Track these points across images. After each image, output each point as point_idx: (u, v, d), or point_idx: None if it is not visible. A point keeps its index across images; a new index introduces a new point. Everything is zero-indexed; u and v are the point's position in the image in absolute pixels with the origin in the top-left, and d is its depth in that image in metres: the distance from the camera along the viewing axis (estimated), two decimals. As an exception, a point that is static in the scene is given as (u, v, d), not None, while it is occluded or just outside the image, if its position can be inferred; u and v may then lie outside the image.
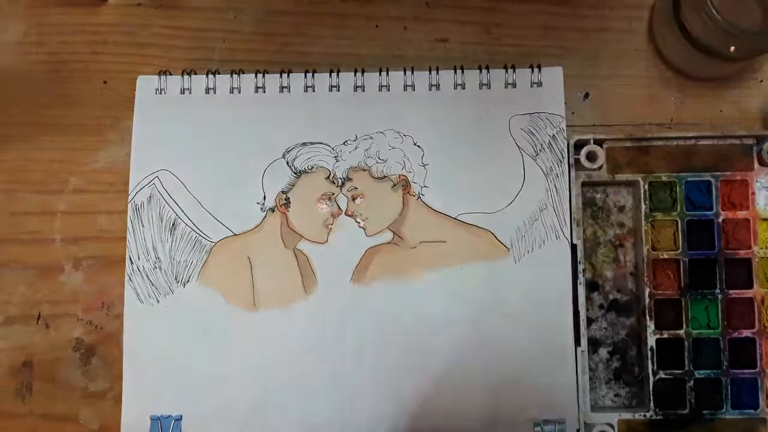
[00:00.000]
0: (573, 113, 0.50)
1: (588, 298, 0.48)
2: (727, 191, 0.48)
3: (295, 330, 0.48)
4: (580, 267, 0.47)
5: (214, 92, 0.50)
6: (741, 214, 0.48)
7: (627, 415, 0.46)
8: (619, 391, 0.48)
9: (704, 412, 0.47)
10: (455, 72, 0.50)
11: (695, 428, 0.46)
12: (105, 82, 0.52)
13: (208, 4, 0.52)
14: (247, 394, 0.47)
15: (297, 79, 0.50)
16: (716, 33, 0.45)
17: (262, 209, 0.49)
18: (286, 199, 0.49)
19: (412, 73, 0.50)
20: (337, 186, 0.49)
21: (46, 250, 0.50)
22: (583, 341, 0.46)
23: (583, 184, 0.49)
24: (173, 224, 0.49)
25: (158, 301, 0.48)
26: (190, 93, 0.50)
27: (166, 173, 0.49)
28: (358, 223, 0.48)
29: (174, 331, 0.48)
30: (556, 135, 0.48)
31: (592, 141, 0.48)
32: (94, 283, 0.50)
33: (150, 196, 0.49)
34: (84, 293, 0.50)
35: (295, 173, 0.49)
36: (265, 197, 0.49)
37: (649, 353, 0.47)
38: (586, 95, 0.51)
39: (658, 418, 0.46)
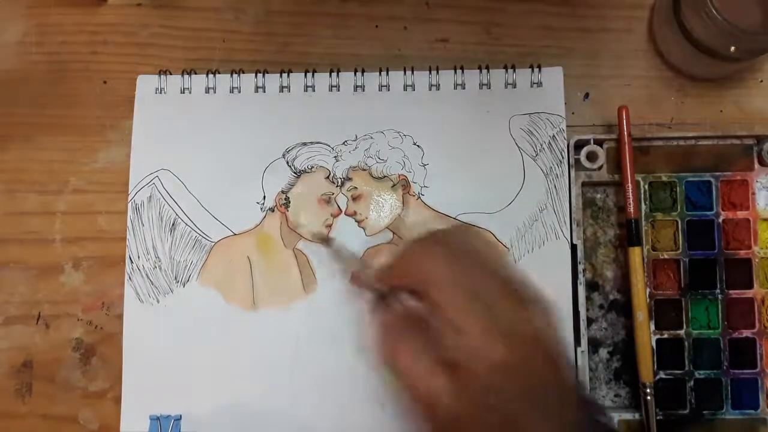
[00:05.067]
0: (573, 113, 0.50)
1: (588, 298, 0.48)
2: (727, 191, 0.48)
3: (294, 330, 0.47)
4: (580, 267, 0.47)
5: (214, 92, 0.50)
6: (741, 214, 0.48)
7: (627, 416, 0.46)
8: (619, 392, 0.48)
9: (704, 412, 0.46)
10: (455, 72, 0.50)
11: (695, 428, 0.46)
12: (105, 82, 0.52)
13: (208, 4, 0.52)
14: (247, 394, 0.47)
15: (297, 79, 0.50)
16: (716, 33, 0.45)
17: (261, 209, 0.49)
18: (285, 199, 0.49)
19: (412, 73, 0.50)
20: (337, 186, 0.49)
21: (46, 250, 0.50)
22: (583, 341, 0.46)
23: (583, 184, 0.49)
24: (173, 224, 0.49)
25: (158, 301, 0.48)
26: (190, 93, 0.50)
27: (166, 173, 0.49)
28: (358, 222, 0.48)
29: (174, 330, 0.48)
30: (556, 135, 0.48)
31: (592, 141, 0.48)
32: (94, 283, 0.50)
33: (150, 196, 0.49)
34: (84, 293, 0.50)
35: (295, 173, 0.49)
36: (264, 197, 0.49)
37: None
38: (586, 95, 0.51)
39: (658, 418, 0.46)
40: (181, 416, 0.47)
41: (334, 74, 0.50)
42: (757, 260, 0.47)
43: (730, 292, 0.47)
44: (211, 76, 0.50)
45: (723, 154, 0.48)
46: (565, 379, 0.35)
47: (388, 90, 0.50)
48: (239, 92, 0.50)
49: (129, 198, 0.49)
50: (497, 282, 0.36)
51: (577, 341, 0.46)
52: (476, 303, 0.34)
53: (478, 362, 0.33)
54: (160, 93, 0.50)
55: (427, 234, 0.38)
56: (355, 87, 0.50)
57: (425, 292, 0.35)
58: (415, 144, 0.49)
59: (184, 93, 0.50)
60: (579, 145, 0.48)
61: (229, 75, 0.50)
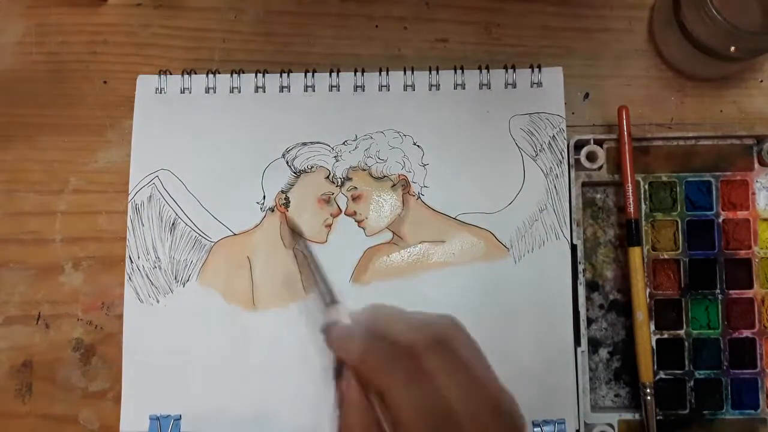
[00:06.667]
0: (573, 113, 0.50)
1: (588, 298, 0.48)
2: (727, 191, 0.48)
3: (294, 330, 0.47)
4: (580, 267, 0.47)
5: (214, 92, 0.50)
6: (741, 214, 0.48)
7: (627, 416, 0.46)
8: (619, 392, 0.48)
9: (704, 412, 0.46)
10: (455, 72, 0.50)
11: (695, 428, 0.46)
12: (105, 82, 0.52)
13: (208, 4, 0.52)
14: (246, 394, 0.47)
15: (297, 79, 0.50)
16: (716, 33, 0.45)
17: (261, 209, 0.49)
18: (285, 199, 0.49)
19: (412, 73, 0.50)
20: (337, 186, 0.49)
21: (46, 250, 0.50)
22: (583, 341, 0.46)
23: (583, 185, 0.49)
24: (173, 224, 0.49)
25: (158, 301, 0.48)
26: (190, 93, 0.50)
27: (166, 173, 0.49)
28: (358, 223, 0.48)
29: (174, 330, 0.48)
30: (556, 135, 0.48)
31: (592, 141, 0.48)
32: (94, 283, 0.50)
33: (150, 196, 0.49)
34: (84, 293, 0.50)
35: (294, 173, 0.49)
36: (264, 197, 0.49)
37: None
38: (586, 95, 0.51)
39: (658, 418, 0.46)
40: (181, 416, 0.47)
41: (334, 74, 0.50)
42: (757, 260, 0.47)
43: (730, 292, 0.47)
44: (211, 76, 0.50)
45: (723, 154, 0.48)
46: None
47: (388, 90, 0.50)
48: (239, 92, 0.50)
49: (129, 198, 0.49)
50: (476, 403, 0.33)
51: (577, 341, 0.46)
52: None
53: None
54: (160, 93, 0.50)
55: (412, 337, 0.35)
56: (355, 87, 0.50)
57: (382, 394, 0.34)
58: (415, 144, 0.49)
59: (184, 93, 0.50)
60: (579, 145, 0.48)
61: (229, 75, 0.50)
